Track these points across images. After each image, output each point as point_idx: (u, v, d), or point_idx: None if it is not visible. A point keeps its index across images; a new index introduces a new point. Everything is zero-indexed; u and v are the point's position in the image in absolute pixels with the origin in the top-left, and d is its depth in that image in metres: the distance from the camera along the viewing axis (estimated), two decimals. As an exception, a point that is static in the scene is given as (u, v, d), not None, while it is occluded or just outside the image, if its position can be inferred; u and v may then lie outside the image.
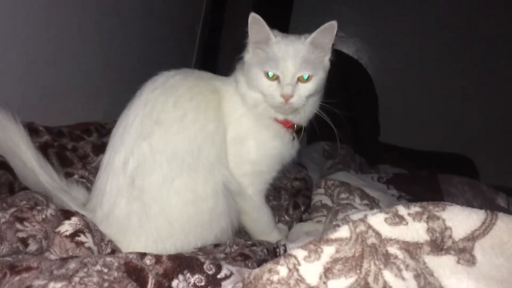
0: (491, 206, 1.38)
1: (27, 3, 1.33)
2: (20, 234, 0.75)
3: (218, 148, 1.06)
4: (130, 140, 1.01)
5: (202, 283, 0.72)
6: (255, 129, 1.10)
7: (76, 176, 1.24)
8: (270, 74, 1.03)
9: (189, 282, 0.71)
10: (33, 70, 1.42)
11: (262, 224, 1.16)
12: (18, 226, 0.75)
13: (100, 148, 1.34)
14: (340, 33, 3.72)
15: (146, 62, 2.27)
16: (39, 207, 0.82)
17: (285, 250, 0.99)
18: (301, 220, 1.39)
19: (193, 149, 1.01)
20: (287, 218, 1.47)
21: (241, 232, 1.22)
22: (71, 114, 1.70)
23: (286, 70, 1.02)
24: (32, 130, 1.25)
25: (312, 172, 1.76)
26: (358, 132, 2.99)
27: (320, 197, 1.24)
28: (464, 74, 3.65)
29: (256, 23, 1.04)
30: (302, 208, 1.46)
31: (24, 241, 0.74)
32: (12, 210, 0.78)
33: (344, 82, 2.88)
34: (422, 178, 1.64)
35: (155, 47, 2.38)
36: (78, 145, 1.37)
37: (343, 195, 1.13)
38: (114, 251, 0.86)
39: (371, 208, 1.08)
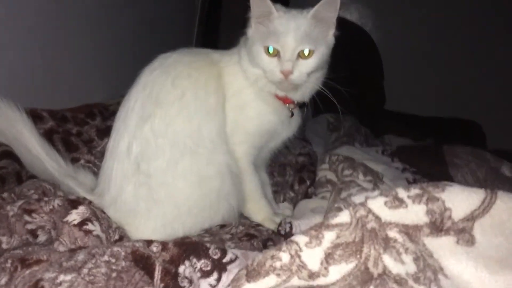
0: (495, 176, 1.38)
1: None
2: (29, 226, 0.77)
3: (219, 122, 1.07)
4: (132, 124, 1.01)
5: (208, 268, 0.74)
6: (253, 102, 1.10)
7: (82, 161, 1.26)
8: (271, 49, 1.02)
9: (196, 268, 0.73)
10: (32, 53, 1.42)
11: (248, 190, 1.14)
12: (27, 218, 0.77)
13: (105, 132, 1.35)
14: (343, -1, 3.61)
15: (147, 39, 2.26)
16: (46, 198, 0.84)
17: (290, 228, 1.00)
18: (306, 194, 1.41)
19: (193, 128, 1.02)
20: (292, 194, 1.49)
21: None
22: (73, 96, 1.70)
23: (286, 45, 1.00)
24: (35, 116, 1.26)
25: (316, 146, 1.76)
26: (363, 101, 2.97)
27: (324, 172, 1.25)
28: (471, 37, 3.59)
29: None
30: (308, 183, 1.47)
31: (33, 233, 0.76)
32: (20, 202, 0.79)
33: (348, 50, 2.85)
34: (427, 149, 1.63)
35: (156, 24, 2.36)
36: (82, 130, 1.38)
37: (346, 172, 1.13)
38: (122, 237, 0.88)
39: (375, 184, 1.09)
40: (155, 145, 0.99)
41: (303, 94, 1.12)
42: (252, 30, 1.07)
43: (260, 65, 1.05)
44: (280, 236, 1.03)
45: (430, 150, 1.58)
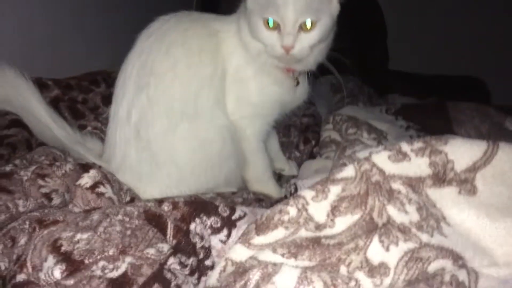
0: (498, 130, 1.39)
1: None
2: (43, 190, 0.79)
3: (217, 92, 1.05)
4: (130, 91, 1.02)
5: (218, 225, 0.76)
6: (255, 74, 1.07)
7: (89, 128, 1.27)
8: (270, 21, 0.95)
9: (206, 224, 0.76)
10: (33, 22, 1.41)
11: (257, 170, 1.14)
12: (40, 182, 0.79)
13: (109, 99, 1.34)
14: (344, -43, 3.52)
15: (147, 3, 2.23)
16: (58, 163, 0.86)
17: (295, 189, 1.02)
18: (311, 154, 1.43)
19: (189, 96, 1.01)
20: (297, 154, 1.51)
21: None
22: (76, 64, 1.70)
23: (286, 17, 0.93)
24: (41, 85, 1.27)
25: (320, 108, 1.77)
26: (367, 60, 2.95)
27: (328, 132, 1.26)
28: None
29: None
30: (313, 143, 1.49)
31: (48, 196, 0.78)
32: (33, 167, 0.81)
33: (350, 10, 2.81)
34: (431, 106, 1.63)
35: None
36: (87, 97, 1.39)
37: (350, 130, 1.14)
38: (133, 198, 0.91)
39: (379, 142, 1.10)
40: (152, 112, 0.99)
41: (306, 65, 1.07)
42: (251, 0, 1.00)
43: (260, 39, 0.99)
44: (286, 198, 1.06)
45: (434, 107, 1.58)
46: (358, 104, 1.84)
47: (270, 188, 1.15)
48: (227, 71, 1.07)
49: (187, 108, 1.00)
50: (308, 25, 0.95)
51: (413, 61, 3.48)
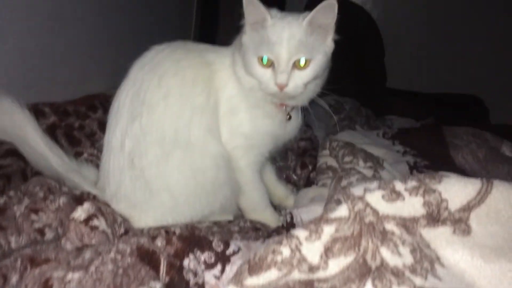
0: (495, 156, 1.39)
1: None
2: (36, 225, 0.78)
3: (209, 120, 1.05)
4: (124, 120, 1.02)
5: (212, 260, 0.76)
6: (247, 106, 1.07)
7: (85, 155, 1.28)
8: (265, 59, 0.96)
9: (200, 260, 0.75)
10: (30, 46, 1.41)
11: (252, 200, 1.14)
12: (34, 217, 0.79)
13: (106, 125, 1.37)
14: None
15: (146, 27, 2.25)
16: (51, 197, 0.86)
17: (291, 218, 1.02)
18: (308, 179, 1.43)
19: (181, 125, 1.01)
20: (295, 177, 1.51)
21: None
22: (73, 87, 1.71)
23: (280, 56, 0.95)
24: (38, 112, 1.28)
25: (317, 130, 1.77)
26: (365, 80, 2.97)
27: (325, 158, 1.26)
28: (471, 12, 3.55)
29: (251, 4, 0.97)
30: (310, 168, 1.49)
31: (41, 231, 0.78)
32: (26, 202, 0.81)
33: (348, 30, 2.83)
34: (427, 131, 1.64)
35: (154, 9, 2.35)
36: (84, 123, 1.39)
37: (347, 158, 1.14)
38: (128, 230, 0.90)
39: (375, 171, 1.10)
40: (145, 141, 0.99)
41: (300, 101, 1.07)
42: (246, 37, 1.01)
43: (254, 76, 1.00)
44: (283, 228, 1.05)
45: (430, 131, 1.58)
46: (355, 126, 1.85)
47: (267, 217, 1.14)
48: (220, 102, 1.08)
49: (180, 137, 1.00)
50: (302, 63, 0.96)
51: (410, 80, 3.50)
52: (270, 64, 0.97)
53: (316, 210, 1.00)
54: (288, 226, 1.03)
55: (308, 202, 1.07)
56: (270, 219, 1.14)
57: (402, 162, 1.33)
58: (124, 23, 2.07)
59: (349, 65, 2.87)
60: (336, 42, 1.04)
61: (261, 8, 0.97)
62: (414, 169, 1.31)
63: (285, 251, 0.62)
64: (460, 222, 0.64)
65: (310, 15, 0.96)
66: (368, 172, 1.08)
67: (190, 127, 1.01)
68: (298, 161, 1.55)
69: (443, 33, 3.62)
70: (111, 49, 1.97)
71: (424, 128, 1.89)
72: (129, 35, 2.10)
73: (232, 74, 1.06)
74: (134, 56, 1.11)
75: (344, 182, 0.98)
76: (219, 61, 1.09)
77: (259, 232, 1.05)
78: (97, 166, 1.21)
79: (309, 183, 1.37)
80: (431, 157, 1.36)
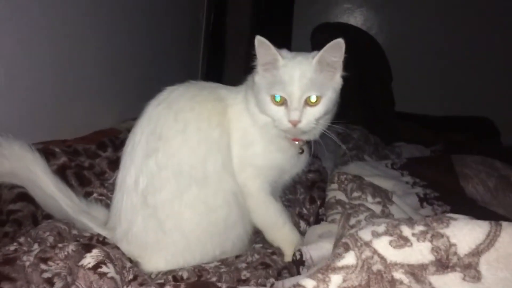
0: (506, 185, 1.38)
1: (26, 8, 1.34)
2: (45, 275, 0.79)
3: (224, 155, 1.08)
4: (139, 158, 1.03)
5: (221, 307, 0.75)
6: (260, 140, 1.10)
7: (95, 195, 1.28)
8: (277, 97, 1.01)
9: (208, 308, 0.74)
10: (42, 84, 1.45)
11: (270, 218, 1.14)
12: (43, 266, 0.79)
13: (116, 163, 1.37)
14: (347, 4, 3.66)
15: (153, 59, 2.29)
16: (60, 245, 0.86)
17: (300, 255, 1.01)
18: (317, 215, 1.41)
19: (198, 161, 1.03)
20: (304, 211, 1.50)
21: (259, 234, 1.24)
22: (84, 123, 1.74)
23: (292, 94, 0.99)
24: (48, 153, 1.29)
25: (326, 161, 1.77)
26: (373, 105, 2.97)
27: (334, 193, 1.26)
28: (477, 33, 3.56)
29: (262, 46, 1.02)
30: (318, 203, 1.48)
31: (50, 281, 0.78)
32: (36, 251, 0.82)
33: (354, 56, 2.85)
34: (436, 160, 1.63)
35: (162, 44, 2.39)
36: (94, 163, 1.41)
37: (355, 194, 1.14)
38: (137, 276, 0.90)
39: (384, 206, 1.09)
40: (159, 177, 1.01)
41: (310, 136, 1.11)
42: (259, 77, 1.06)
43: (267, 113, 1.05)
44: (293, 264, 1.04)
45: (439, 160, 1.58)
46: (364, 156, 1.84)
47: (287, 234, 1.14)
48: (232, 135, 1.10)
49: (196, 172, 1.02)
50: (313, 100, 1.01)
51: (419, 103, 3.50)
52: (283, 102, 1.01)
53: (325, 246, 1.00)
54: (297, 263, 1.03)
55: (316, 239, 1.06)
56: (290, 237, 1.14)
57: (411, 194, 1.32)
58: (132, 60, 2.11)
59: (356, 91, 2.89)
60: (346, 69, 1.08)
61: (272, 49, 1.01)
62: (424, 201, 1.30)
63: (293, 302, 0.61)
64: (469, 268, 0.63)
65: (319, 54, 1.00)
66: (377, 208, 1.08)
67: (206, 162, 1.03)
68: (307, 194, 1.54)
69: (450, 55, 3.63)
70: (120, 86, 2.01)
71: (433, 157, 1.88)
72: (137, 73, 2.14)
73: (245, 109, 1.10)
74: (142, 92, 1.13)
75: (352, 221, 0.98)
76: (231, 96, 1.13)
77: (268, 270, 1.04)
78: (107, 205, 1.22)
79: (318, 219, 1.36)
80: (441, 188, 1.35)
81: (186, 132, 1.03)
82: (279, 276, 1.05)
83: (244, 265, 1.05)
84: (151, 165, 1.02)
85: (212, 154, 1.05)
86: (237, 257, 1.10)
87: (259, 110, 1.07)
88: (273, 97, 1.02)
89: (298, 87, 0.99)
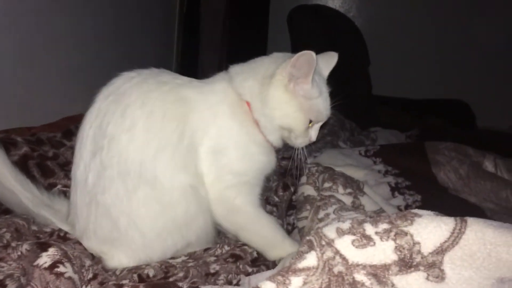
0: (477, 172, 1.38)
1: None
2: (-3, 277, 0.75)
3: (183, 160, 1.00)
4: (87, 153, 0.98)
5: (181, 308, 0.73)
6: (243, 143, 1.05)
7: (59, 186, 1.24)
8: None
9: (168, 309, 0.72)
10: (6, 70, 1.39)
11: (266, 236, 1.06)
12: (-6, 268, 0.76)
13: (81, 153, 1.33)
14: (325, -14, 3.58)
15: (127, 45, 2.23)
16: (13, 244, 0.82)
17: None
18: (290, 201, 1.39)
19: (147, 160, 0.96)
20: (276, 199, 1.48)
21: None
22: (52, 110, 1.68)
23: (322, 120, 1.09)
24: (9, 143, 1.24)
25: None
26: (350, 89, 2.95)
27: (303, 188, 1.20)
28: (455, 17, 3.56)
29: (309, 64, 0.98)
30: (292, 189, 1.46)
31: (2, 283, 0.75)
32: (-13, 251, 0.78)
33: (332, 39, 2.82)
34: (408, 147, 1.63)
35: (135, 31, 2.33)
36: (59, 152, 1.36)
37: (326, 184, 1.12)
38: (96, 275, 0.87)
39: (355, 197, 1.08)
40: (104, 177, 0.95)
41: None
42: (289, 91, 1.02)
43: (295, 130, 1.06)
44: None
45: (412, 148, 1.57)
46: (338, 142, 1.83)
47: (288, 251, 1.02)
48: (201, 143, 1.03)
49: (145, 172, 0.95)
50: None
51: (396, 87, 3.50)
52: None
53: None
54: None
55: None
56: (291, 249, 1.03)
57: (383, 183, 1.31)
58: (104, 42, 2.05)
59: (333, 75, 2.86)
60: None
61: (312, 69, 0.99)
62: (395, 190, 1.29)
63: (251, 306, 0.59)
64: (433, 267, 0.61)
65: (326, 74, 1.15)
66: (348, 199, 1.06)
67: (157, 164, 0.96)
68: (280, 182, 1.52)
69: (427, 38, 3.63)
70: (91, 69, 1.94)
71: (406, 144, 1.87)
72: (109, 55, 2.08)
73: (226, 112, 1.05)
74: (115, 75, 1.04)
75: (321, 214, 0.96)
76: (200, 98, 1.05)
77: (238, 262, 1.01)
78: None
79: (291, 206, 1.34)
80: (413, 176, 1.34)
81: (132, 131, 0.96)
82: (253, 267, 1.02)
83: (213, 258, 1.02)
84: (97, 163, 0.95)
85: (163, 156, 0.97)
86: (205, 250, 1.07)
87: (276, 117, 1.05)
88: (308, 121, 1.05)
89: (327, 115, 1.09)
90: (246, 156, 1.06)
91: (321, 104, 1.06)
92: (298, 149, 1.11)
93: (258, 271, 0.97)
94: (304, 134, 1.08)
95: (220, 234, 1.17)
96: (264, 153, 1.09)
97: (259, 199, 1.10)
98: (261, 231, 1.06)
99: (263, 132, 1.07)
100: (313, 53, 0.96)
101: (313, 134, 1.09)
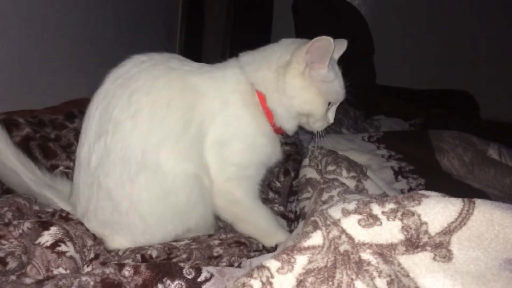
0: (482, 159, 1.36)
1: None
2: (-2, 254, 0.74)
3: (187, 150, 0.99)
4: (92, 135, 0.97)
5: (183, 289, 0.72)
6: (251, 134, 1.04)
7: (61, 168, 1.23)
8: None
9: (170, 289, 0.71)
10: (6, 55, 1.37)
11: (260, 227, 1.07)
12: (-5, 246, 0.75)
13: (83, 135, 1.32)
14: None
15: (131, 30, 2.21)
16: (15, 222, 0.81)
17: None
18: (291, 186, 1.39)
19: (149, 148, 0.95)
20: (278, 184, 1.47)
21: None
22: (56, 93, 1.67)
23: (339, 101, 1.12)
24: (11, 124, 1.23)
25: (304, 134, 1.73)
26: (353, 77, 2.93)
27: (305, 170, 1.19)
28: (460, 7, 3.53)
29: (326, 49, 0.99)
30: (292, 174, 1.46)
31: (3, 261, 0.74)
32: (-11, 228, 0.77)
33: (336, 27, 2.79)
34: (412, 134, 1.61)
35: (139, 16, 2.30)
36: (61, 134, 1.35)
37: (330, 168, 1.10)
38: (98, 255, 0.86)
39: (358, 181, 1.06)
40: (108, 160, 0.94)
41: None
42: (305, 76, 1.02)
43: (315, 114, 1.07)
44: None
45: (416, 135, 1.56)
46: (342, 129, 1.81)
47: (281, 239, 1.06)
48: (207, 132, 1.01)
49: (147, 160, 0.94)
50: None
51: (400, 76, 3.48)
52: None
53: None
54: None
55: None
56: (284, 239, 1.05)
57: (386, 167, 1.30)
58: (108, 27, 2.03)
59: (337, 63, 2.83)
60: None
61: (329, 56, 1.01)
62: (399, 174, 1.28)
63: (256, 284, 0.58)
64: (440, 247, 0.60)
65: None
66: (351, 183, 1.05)
67: (160, 151, 0.95)
68: (281, 167, 1.51)
69: (433, 28, 3.59)
70: (94, 54, 1.92)
71: (410, 131, 1.86)
72: (113, 40, 2.06)
73: (234, 100, 1.04)
74: (118, 60, 1.03)
75: (325, 196, 0.94)
76: (210, 85, 1.03)
77: (242, 248, 1.00)
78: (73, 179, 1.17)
79: (292, 192, 1.33)
80: (416, 162, 1.33)
81: (136, 117, 0.94)
82: (257, 251, 1.02)
83: (217, 241, 1.01)
84: (101, 146, 0.95)
85: (167, 144, 0.96)
86: (209, 236, 1.06)
87: (296, 103, 1.05)
88: (328, 103, 1.07)
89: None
90: (250, 148, 1.05)
91: (338, 86, 1.07)
92: (318, 132, 1.12)
93: (260, 256, 0.97)
94: (323, 118, 1.09)
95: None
96: (270, 145, 1.08)
97: (258, 189, 1.11)
98: (257, 223, 1.08)
99: (279, 121, 1.07)
100: (330, 39, 0.97)
101: (331, 116, 1.11)
